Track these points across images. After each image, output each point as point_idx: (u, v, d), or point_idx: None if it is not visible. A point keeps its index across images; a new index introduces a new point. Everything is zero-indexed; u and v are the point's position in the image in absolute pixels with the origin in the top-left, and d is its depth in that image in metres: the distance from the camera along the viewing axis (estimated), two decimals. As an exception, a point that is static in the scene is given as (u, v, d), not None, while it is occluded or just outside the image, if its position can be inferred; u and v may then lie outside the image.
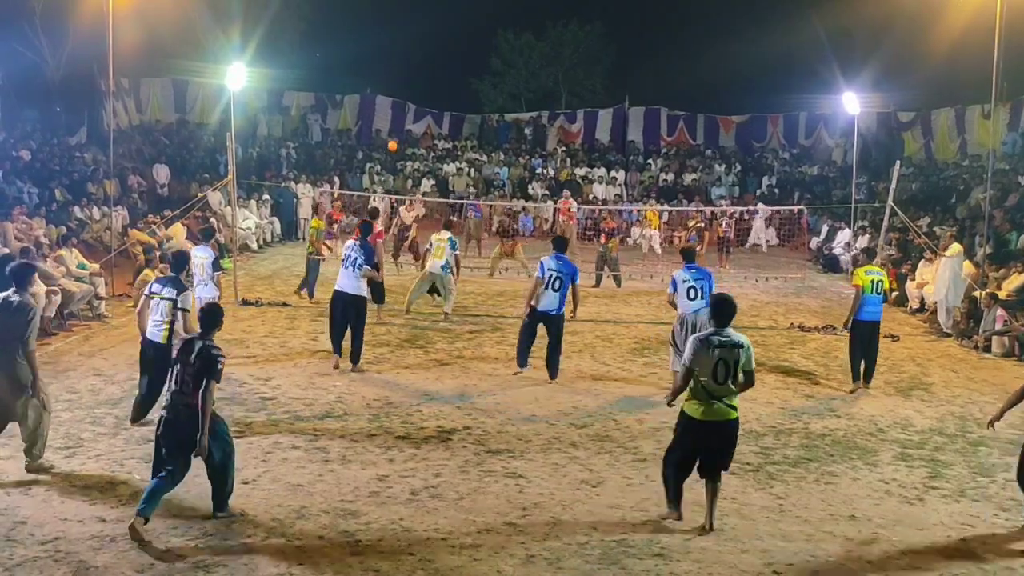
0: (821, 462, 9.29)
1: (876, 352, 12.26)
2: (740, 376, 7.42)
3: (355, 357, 12.27)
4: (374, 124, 36.78)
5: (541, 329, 12.06)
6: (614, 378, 12.43)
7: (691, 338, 7.57)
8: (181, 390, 7.23)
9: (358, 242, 12.36)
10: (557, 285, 11.71)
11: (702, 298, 11.41)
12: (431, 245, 16.06)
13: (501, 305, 17.34)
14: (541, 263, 11.93)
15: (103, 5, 17.85)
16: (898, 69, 31.56)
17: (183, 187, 25.83)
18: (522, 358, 12.09)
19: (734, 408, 7.47)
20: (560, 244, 12.41)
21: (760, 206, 29.41)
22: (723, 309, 7.54)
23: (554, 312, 11.78)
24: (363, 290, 12.31)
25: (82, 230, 19.80)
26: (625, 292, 19.37)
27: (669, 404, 7.90)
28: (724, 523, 7.67)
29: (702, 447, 7.51)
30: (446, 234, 16.05)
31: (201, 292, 12.46)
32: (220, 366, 7.22)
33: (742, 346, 7.40)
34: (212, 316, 7.53)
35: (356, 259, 12.16)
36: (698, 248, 20.64)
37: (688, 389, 7.50)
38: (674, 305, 11.64)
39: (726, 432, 7.52)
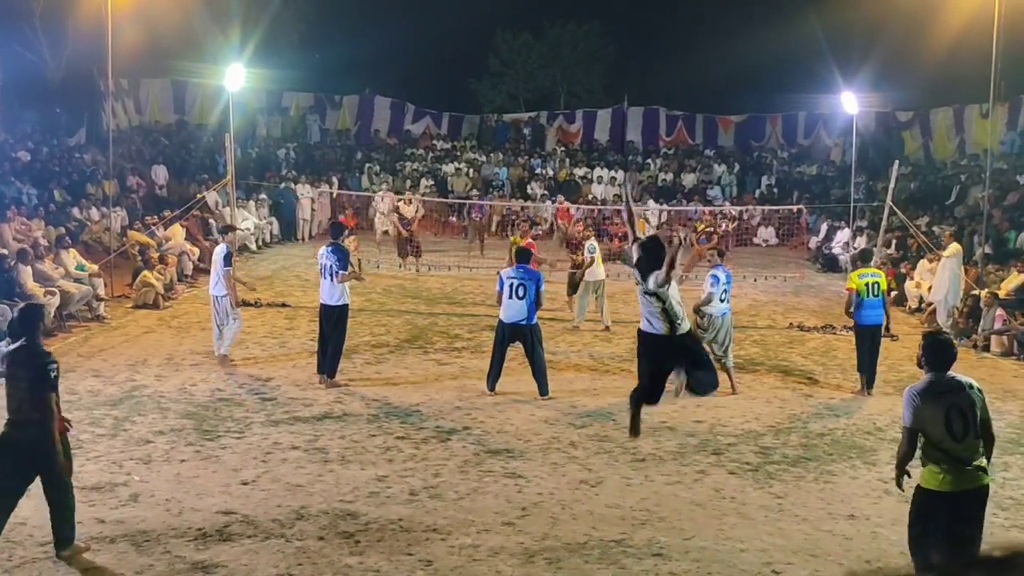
0: (820, 461, 9.30)
1: (877, 355, 12.16)
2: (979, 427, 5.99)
3: (330, 370, 11.61)
4: (373, 124, 36.73)
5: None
6: (613, 378, 12.43)
7: (906, 393, 6.12)
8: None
9: (330, 247, 11.70)
10: (521, 292, 11.05)
11: (728, 302, 11.95)
12: (594, 251, 15.36)
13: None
14: (500, 276, 11.54)
15: (102, 6, 17.87)
16: (896, 68, 31.54)
17: (182, 188, 25.83)
18: (491, 380, 11.38)
19: (985, 472, 5.98)
20: (522, 256, 11.78)
21: (756, 208, 29.48)
22: (944, 353, 6.15)
23: (524, 322, 11.09)
24: (343, 298, 11.63)
25: (81, 231, 19.80)
26: (623, 292, 19.33)
27: (900, 485, 6.33)
28: (723, 522, 7.68)
29: (945, 527, 5.97)
30: (594, 243, 15.58)
31: (214, 290, 12.46)
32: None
33: (973, 387, 6.02)
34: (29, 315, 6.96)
35: (331, 266, 11.53)
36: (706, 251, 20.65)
37: (922, 457, 6.03)
38: (709, 300, 11.77)
39: (977, 503, 5.98)
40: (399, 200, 24.14)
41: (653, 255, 7.53)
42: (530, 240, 15.23)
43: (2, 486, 6.69)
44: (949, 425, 5.84)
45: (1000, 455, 9.56)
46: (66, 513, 6.77)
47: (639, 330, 7.84)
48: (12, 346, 6.82)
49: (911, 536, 6.15)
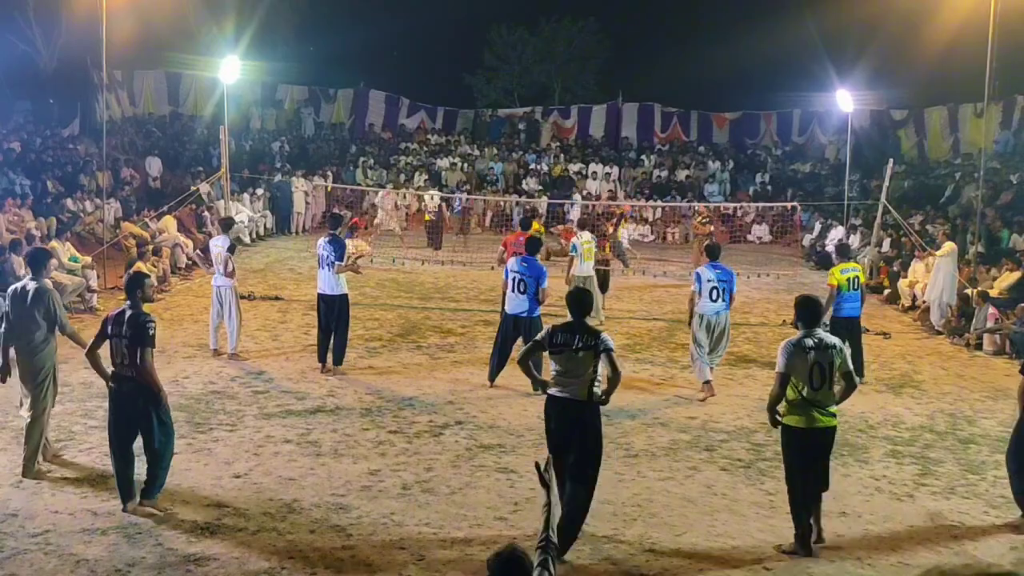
0: (812, 458, 9.30)
1: (859, 346, 12.33)
2: (838, 380, 7.11)
3: (337, 358, 11.89)
4: (367, 118, 36.70)
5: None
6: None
7: (782, 344, 7.15)
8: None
9: (328, 239, 11.90)
10: (522, 288, 11.07)
11: (723, 300, 11.31)
12: (576, 250, 15.02)
13: (494, 300, 17.31)
14: (506, 267, 11.57)
15: (96, -4, 17.78)
16: (892, 67, 31.58)
17: (176, 180, 25.75)
18: (492, 372, 11.45)
19: (834, 416, 7.14)
20: (532, 246, 11.61)
21: (750, 205, 29.55)
22: (812, 310, 7.27)
23: (524, 315, 11.07)
24: (342, 288, 11.83)
25: (74, 222, 19.73)
26: (616, 287, 19.34)
27: (774, 424, 7.26)
28: (714, 519, 7.70)
29: (806, 458, 7.16)
30: (587, 235, 15.28)
31: (218, 281, 12.43)
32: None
33: (835, 347, 7.09)
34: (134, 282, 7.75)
35: (328, 256, 11.70)
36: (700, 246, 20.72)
37: (784, 401, 7.12)
38: (692, 302, 11.48)
39: (824, 441, 7.15)
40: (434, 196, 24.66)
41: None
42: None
43: (117, 434, 7.48)
44: (811, 376, 6.95)
45: (991, 453, 9.61)
46: (157, 468, 7.46)
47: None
48: (118, 309, 7.67)
49: (785, 468, 7.34)
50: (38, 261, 8.62)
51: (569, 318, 7.20)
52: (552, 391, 7.12)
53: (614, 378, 7.06)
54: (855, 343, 12.28)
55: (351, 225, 21.76)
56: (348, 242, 20.69)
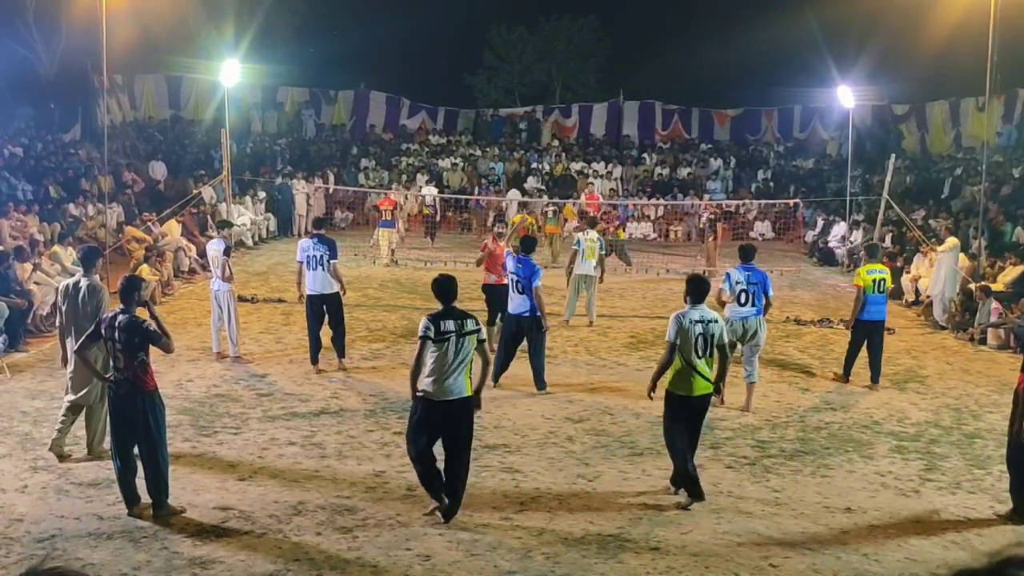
0: (817, 455, 9.31)
1: (880, 350, 11.97)
2: (715, 351, 7.93)
3: (340, 351, 12.11)
4: (368, 119, 36.68)
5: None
6: (609, 373, 12.43)
7: (672, 316, 7.89)
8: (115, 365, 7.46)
9: (315, 238, 12.06)
10: (520, 288, 11.05)
11: (752, 304, 10.74)
12: (579, 245, 15.08)
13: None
14: (504, 266, 11.60)
15: (96, 1, 17.79)
16: (892, 62, 31.50)
17: (178, 183, 25.76)
18: (495, 372, 11.15)
19: (711, 382, 7.94)
20: (527, 245, 11.52)
21: (752, 202, 29.54)
22: (700, 287, 8.01)
23: (526, 314, 11.01)
24: (335, 286, 11.94)
25: (77, 227, 19.73)
26: (620, 286, 19.35)
27: (652, 390, 8.10)
28: (720, 517, 7.69)
29: (688, 421, 7.92)
30: (594, 233, 15.20)
31: (215, 285, 12.43)
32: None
33: (716, 321, 7.92)
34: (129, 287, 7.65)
35: (321, 256, 11.81)
36: (713, 239, 20.78)
37: (672, 369, 7.85)
38: (722, 304, 10.89)
39: (702, 406, 7.97)
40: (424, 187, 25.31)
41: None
42: (494, 242, 13.44)
43: (118, 438, 7.48)
44: (696, 345, 7.73)
45: (997, 448, 9.58)
46: (156, 474, 7.40)
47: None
48: (111, 312, 7.56)
49: (665, 428, 8.06)
50: (90, 259, 9.02)
51: (440, 306, 7.58)
52: (441, 398, 7.33)
53: (486, 367, 7.79)
54: (876, 347, 11.94)
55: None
56: (384, 232, 20.99)
